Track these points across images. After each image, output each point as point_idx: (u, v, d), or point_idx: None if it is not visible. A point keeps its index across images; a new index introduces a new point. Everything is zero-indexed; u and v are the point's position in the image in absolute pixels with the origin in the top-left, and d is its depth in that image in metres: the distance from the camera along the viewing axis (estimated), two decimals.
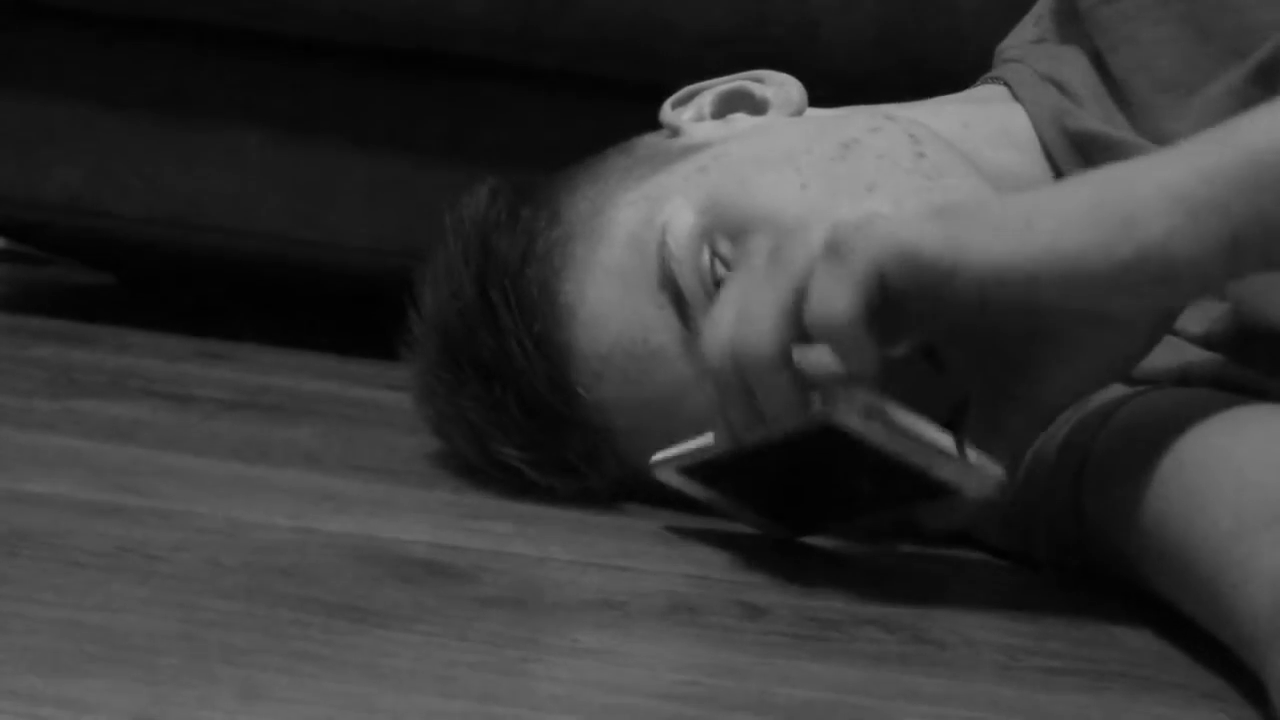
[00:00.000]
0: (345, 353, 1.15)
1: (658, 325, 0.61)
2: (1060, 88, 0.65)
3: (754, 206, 0.59)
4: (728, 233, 0.59)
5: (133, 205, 1.11)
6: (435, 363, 0.66)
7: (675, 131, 0.67)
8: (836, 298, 0.47)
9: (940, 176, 0.60)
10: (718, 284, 0.59)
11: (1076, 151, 0.63)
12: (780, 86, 0.67)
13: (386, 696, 0.38)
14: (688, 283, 0.60)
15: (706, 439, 0.56)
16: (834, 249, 0.48)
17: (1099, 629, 0.54)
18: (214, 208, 1.10)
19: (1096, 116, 0.64)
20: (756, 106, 0.67)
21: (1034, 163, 0.65)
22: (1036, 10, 0.72)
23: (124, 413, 0.78)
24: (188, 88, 1.09)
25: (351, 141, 1.08)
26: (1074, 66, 0.66)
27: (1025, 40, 0.70)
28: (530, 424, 0.63)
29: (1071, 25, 0.67)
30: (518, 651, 0.43)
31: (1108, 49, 0.64)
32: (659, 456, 0.59)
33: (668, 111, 0.68)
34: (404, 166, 1.08)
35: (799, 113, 0.66)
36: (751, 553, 0.60)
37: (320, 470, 0.67)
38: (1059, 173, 0.64)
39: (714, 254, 0.60)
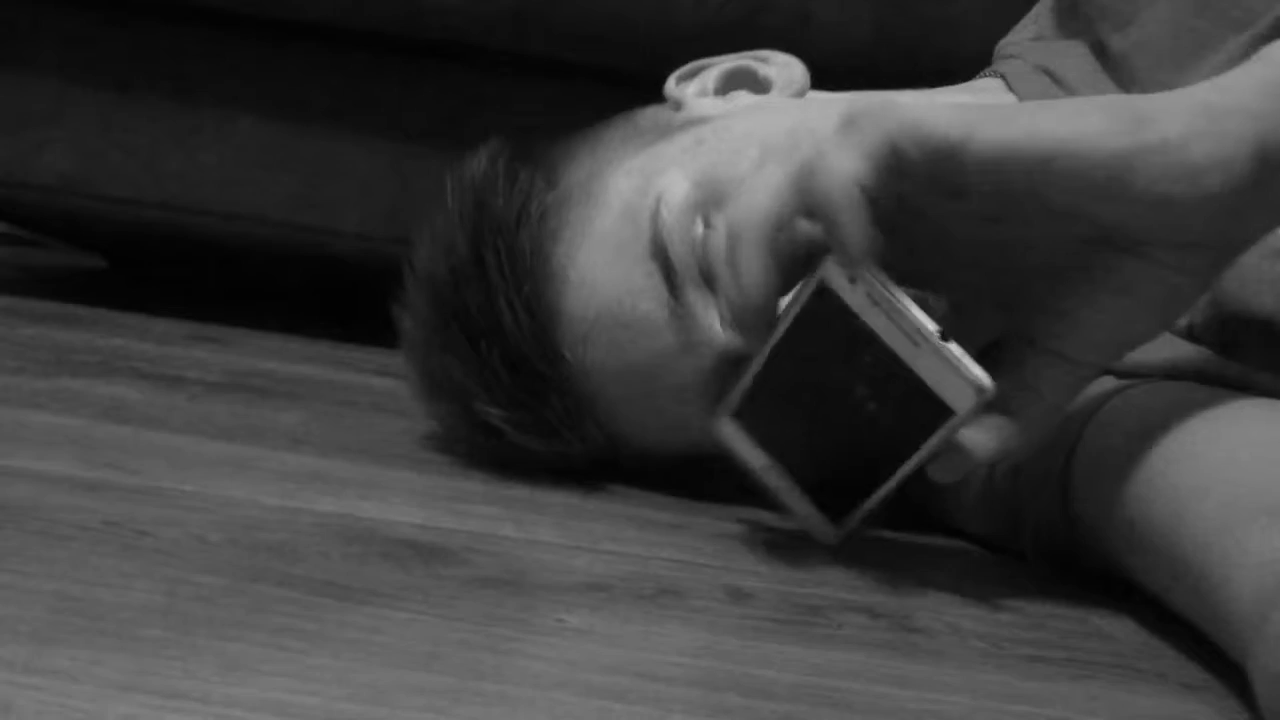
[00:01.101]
0: (336, 338, 1.14)
1: (646, 293, 0.61)
2: (1053, 78, 0.66)
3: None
4: (722, 206, 0.60)
5: (124, 187, 1.11)
6: (425, 320, 0.66)
7: (678, 105, 0.68)
8: (842, 160, 0.46)
9: None
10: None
11: None
12: (784, 67, 0.68)
13: (370, 671, 0.38)
14: (678, 252, 0.60)
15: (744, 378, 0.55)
16: (848, 122, 0.47)
17: (1084, 619, 0.54)
18: (206, 191, 1.10)
19: None
20: (759, 85, 0.68)
21: None
22: (1035, 10, 0.73)
23: (113, 392, 0.77)
24: (181, 70, 1.09)
25: (344, 127, 1.08)
26: (1070, 58, 0.66)
27: (1024, 39, 0.71)
28: (514, 384, 0.63)
29: (1072, 19, 0.67)
30: (504, 630, 0.43)
31: (1109, 31, 0.64)
32: (719, 409, 0.58)
33: (671, 85, 0.69)
34: (395, 152, 1.08)
35: (801, 94, 0.67)
36: (740, 540, 0.60)
37: (309, 452, 0.67)
38: None
39: (706, 226, 0.60)
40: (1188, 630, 0.50)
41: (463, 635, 0.42)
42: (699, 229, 0.60)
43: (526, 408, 0.63)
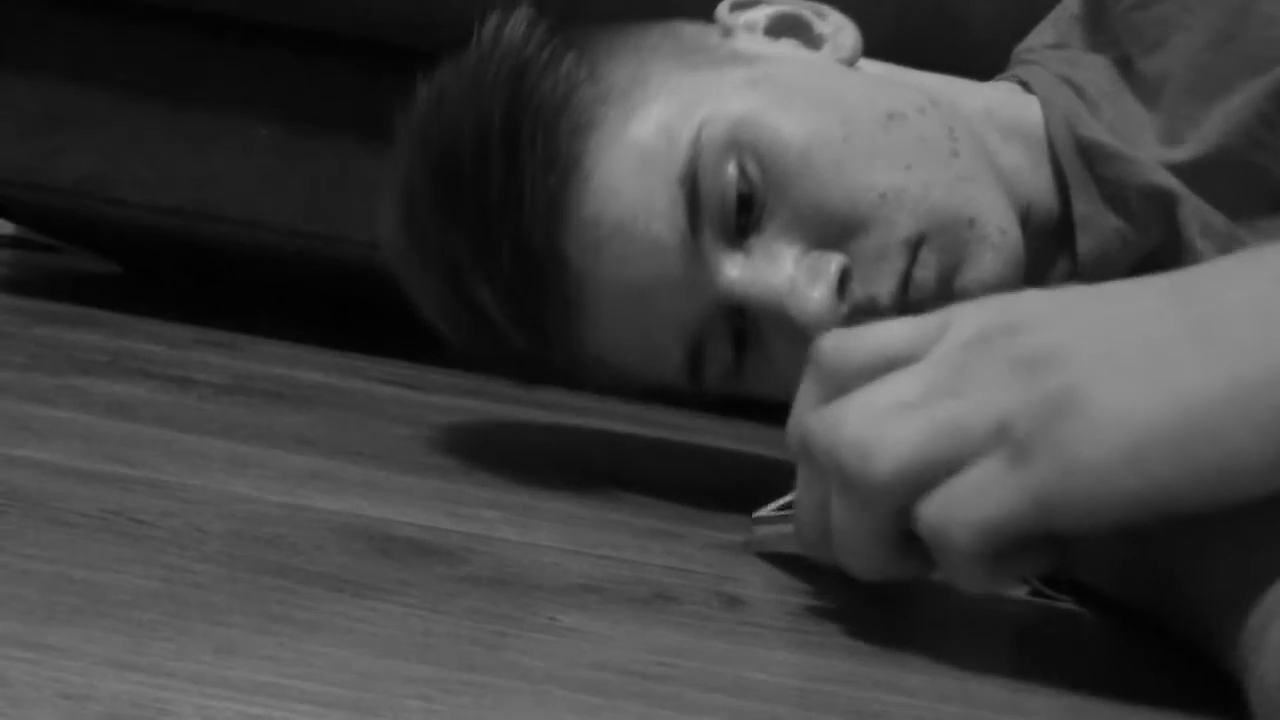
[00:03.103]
0: (345, 346, 1.15)
1: (664, 217, 0.59)
2: (1077, 91, 0.65)
3: (794, 139, 0.59)
4: (760, 155, 0.59)
5: (142, 193, 1.12)
6: (432, 185, 0.63)
7: (727, 31, 0.66)
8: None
9: (967, 181, 0.60)
10: (738, 199, 0.59)
11: (1081, 156, 0.63)
12: (838, 30, 0.66)
13: (361, 659, 0.38)
14: (708, 186, 0.59)
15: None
16: (931, 532, 0.43)
17: (1075, 639, 0.54)
18: (222, 198, 1.11)
19: (1108, 122, 0.64)
20: (812, 40, 0.66)
21: (1038, 162, 0.65)
22: (1055, 15, 0.71)
23: (122, 391, 0.78)
24: (201, 77, 1.10)
25: (357, 136, 1.08)
26: (1094, 71, 0.66)
27: (1044, 44, 0.70)
28: (514, 272, 0.61)
29: (1099, 31, 0.67)
30: (496, 626, 0.44)
31: (1140, 53, 0.64)
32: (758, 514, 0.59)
33: (724, 11, 0.67)
34: None
35: (851, 62, 0.66)
36: (737, 550, 0.60)
37: (313, 453, 0.67)
38: (1060, 174, 0.65)
39: (741, 170, 0.59)
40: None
41: (455, 629, 0.43)
42: (732, 169, 0.59)
43: (520, 302, 0.61)
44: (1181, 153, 0.61)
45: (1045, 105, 0.66)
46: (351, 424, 0.80)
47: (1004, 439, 0.41)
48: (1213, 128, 0.60)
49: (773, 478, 0.84)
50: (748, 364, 0.62)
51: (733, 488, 0.77)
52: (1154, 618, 0.53)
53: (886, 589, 0.56)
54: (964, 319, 0.44)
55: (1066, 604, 0.56)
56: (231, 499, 0.55)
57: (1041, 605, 0.57)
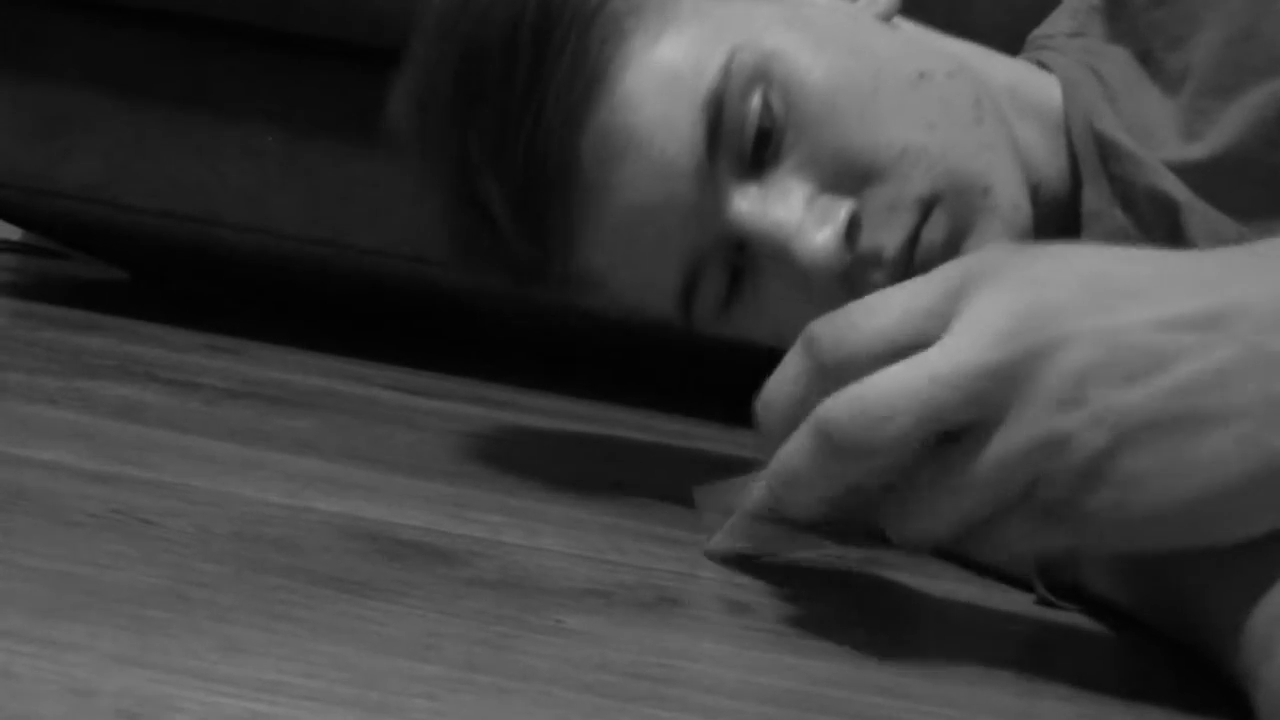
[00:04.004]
0: (350, 353, 1.15)
1: (683, 138, 0.59)
2: (1099, 79, 0.65)
3: (824, 81, 0.59)
4: (787, 91, 0.59)
5: (149, 198, 1.12)
6: (453, 82, 0.62)
7: None
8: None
9: (987, 150, 0.60)
10: (758, 131, 0.58)
11: (1097, 150, 0.63)
12: None
13: (364, 658, 0.38)
14: (731, 113, 0.58)
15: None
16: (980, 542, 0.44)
17: (1080, 645, 0.54)
18: (228, 203, 1.11)
19: (1127, 115, 0.64)
20: None
21: (1054, 148, 0.65)
22: (1071, 4, 0.71)
23: (129, 394, 0.78)
24: (208, 83, 1.11)
25: (363, 144, 1.09)
26: (1114, 63, 0.65)
27: (1061, 32, 0.70)
28: (526, 175, 0.60)
29: (1119, 22, 0.66)
30: (501, 628, 0.44)
31: (1162, 48, 0.64)
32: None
33: None
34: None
35: (887, 18, 0.65)
36: (743, 559, 0.60)
37: (317, 456, 0.68)
38: (1074, 163, 0.64)
39: (765, 103, 0.58)
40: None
41: (460, 630, 0.43)
42: (756, 102, 0.59)
43: (526, 203, 0.61)
44: (1199, 149, 0.61)
45: (1067, 93, 0.65)
46: (355, 428, 0.80)
47: (1044, 491, 0.42)
48: (1230, 125, 0.60)
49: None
50: (739, 302, 0.62)
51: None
52: (1159, 624, 0.53)
53: (891, 595, 0.56)
54: (982, 303, 0.43)
55: (1071, 611, 0.56)
56: (236, 500, 0.55)
57: (1046, 612, 0.57)
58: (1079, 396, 0.41)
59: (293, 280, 1.35)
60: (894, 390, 0.42)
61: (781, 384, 0.46)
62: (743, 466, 0.57)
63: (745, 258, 0.61)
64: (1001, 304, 0.42)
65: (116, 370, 0.87)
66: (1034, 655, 0.51)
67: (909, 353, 0.43)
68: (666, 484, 0.70)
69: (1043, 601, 0.57)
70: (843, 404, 0.42)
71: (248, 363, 1.02)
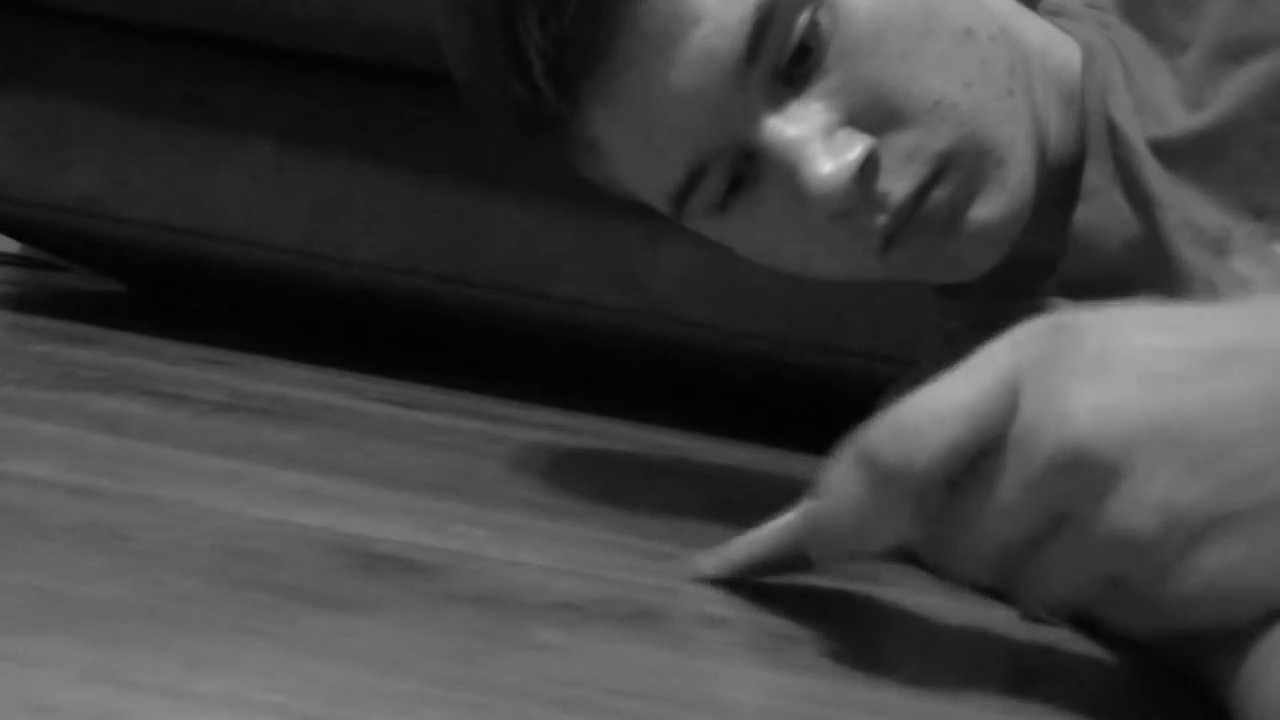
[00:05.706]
0: (343, 366, 1.15)
1: (728, 34, 0.58)
2: (1117, 52, 0.65)
3: (877, 14, 0.58)
4: (838, 15, 0.58)
5: (146, 211, 1.12)
6: None
7: None
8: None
9: (1012, 121, 0.60)
10: (800, 44, 0.58)
11: (1107, 129, 0.63)
12: None
13: (335, 674, 0.38)
14: (780, 21, 0.57)
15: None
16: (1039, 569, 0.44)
17: (1063, 662, 0.54)
18: (225, 216, 1.11)
19: (1141, 91, 0.63)
20: None
21: (1067, 116, 0.65)
22: None
23: (116, 407, 0.78)
24: (206, 97, 1.11)
25: (360, 157, 1.09)
26: (1129, 47, 0.65)
27: (1079, 1, 0.69)
28: (574, 25, 0.58)
29: None
30: (475, 643, 0.43)
31: (1171, 19, 0.63)
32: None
33: None
34: (411, 184, 1.09)
35: None
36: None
37: (302, 469, 0.67)
38: (1084, 137, 0.64)
39: (814, 21, 0.58)
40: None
41: (433, 644, 0.42)
42: (805, 18, 0.58)
43: (567, 60, 0.59)
44: (1202, 118, 0.60)
45: (1085, 64, 0.65)
46: (343, 442, 0.79)
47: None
48: (1231, 93, 0.59)
49: (766, 497, 0.84)
50: (733, 208, 0.62)
51: (726, 509, 0.77)
52: (1146, 644, 0.52)
53: (874, 610, 0.55)
54: (1046, 421, 0.42)
55: (1055, 626, 0.56)
56: (216, 514, 0.55)
57: (1031, 628, 0.57)
58: (1152, 499, 0.41)
59: (289, 293, 1.35)
60: None
61: (841, 510, 0.45)
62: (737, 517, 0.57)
63: (752, 167, 0.61)
64: (1058, 416, 0.42)
65: (106, 383, 0.87)
66: (1018, 671, 0.51)
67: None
68: (655, 498, 0.69)
69: (1028, 617, 0.56)
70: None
71: (240, 376, 1.02)
